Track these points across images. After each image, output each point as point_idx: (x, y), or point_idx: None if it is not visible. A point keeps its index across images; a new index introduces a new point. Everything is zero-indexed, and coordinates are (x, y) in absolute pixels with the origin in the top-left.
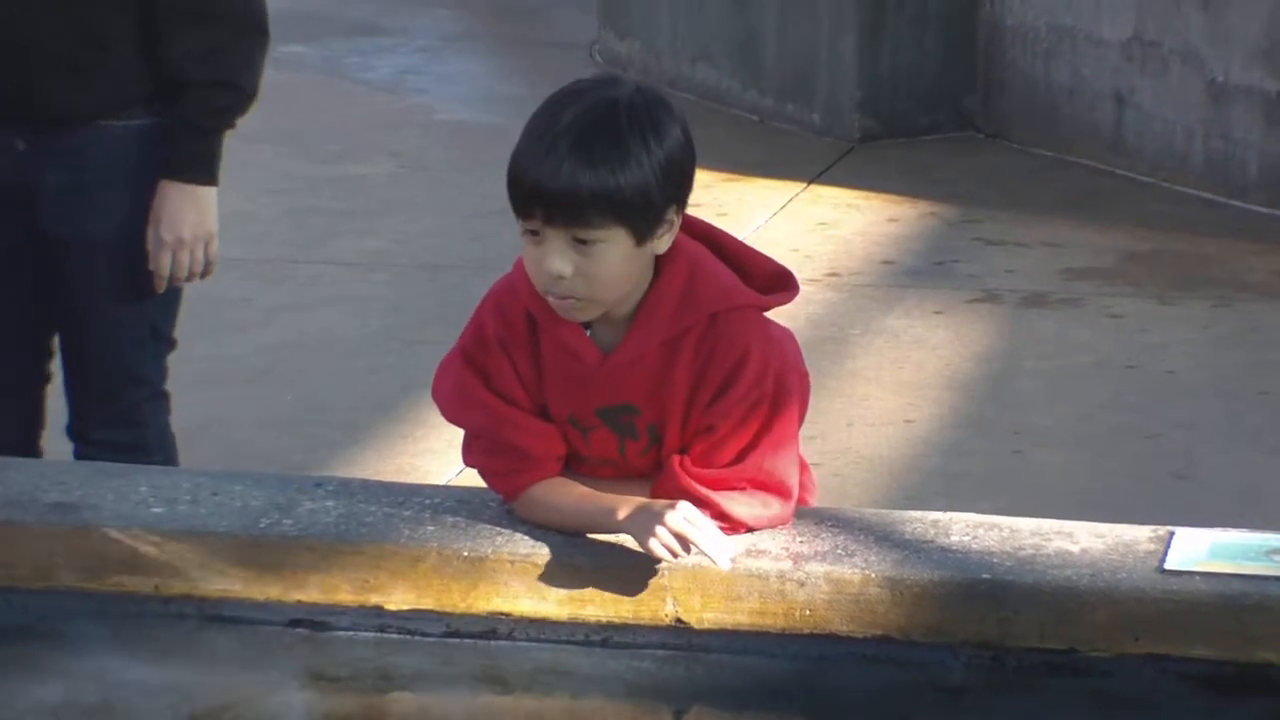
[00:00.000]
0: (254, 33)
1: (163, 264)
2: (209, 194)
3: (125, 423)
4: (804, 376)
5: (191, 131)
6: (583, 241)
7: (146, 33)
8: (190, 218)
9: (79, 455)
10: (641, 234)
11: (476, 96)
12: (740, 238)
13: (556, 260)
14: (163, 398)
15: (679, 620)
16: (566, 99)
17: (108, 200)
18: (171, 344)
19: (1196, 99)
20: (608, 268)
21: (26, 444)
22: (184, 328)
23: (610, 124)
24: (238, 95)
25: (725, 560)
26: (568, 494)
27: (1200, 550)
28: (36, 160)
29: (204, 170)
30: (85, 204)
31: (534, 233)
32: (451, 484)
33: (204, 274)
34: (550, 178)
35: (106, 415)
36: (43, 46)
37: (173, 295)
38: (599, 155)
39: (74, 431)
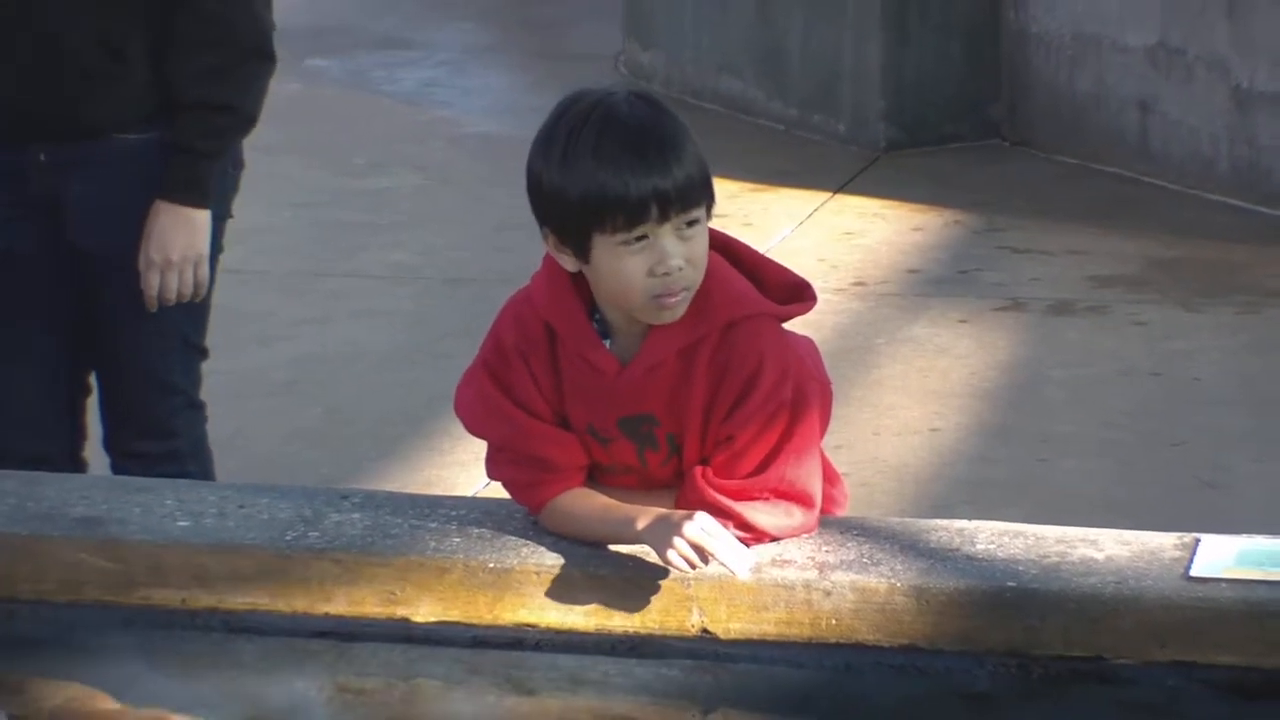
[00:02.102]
0: (258, 57)
1: (151, 283)
2: (201, 216)
3: (157, 433)
4: (825, 385)
5: (186, 153)
6: (689, 224)
7: (162, 47)
8: (181, 240)
9: (114, 469)
10: (711, 207)
11: (501, 109)
12: (766, 247)
13: (675, 252)
14: (196, 408)
15: (705, 630)
16: (592, 109)
17: (130, 212)
18: (203, 353)
19: (1222, 106)
20: (703, 246)
21: (68, 456)
22: (208, 340)
23: (655, 112)
24: (235, 118)
25: (744, 570)
26: (590, 505)
27: (1227, 557)
28: (59, 172)
29: (196, 193)
30: (109, 216)
31: (640, 238)
32: (478, 496)
33: (193, 296)
34: (661, 175)
35: (139, 426)
36: (62, 60)
37: (201, 304)
38: (674, 136)
39: (108, 444)
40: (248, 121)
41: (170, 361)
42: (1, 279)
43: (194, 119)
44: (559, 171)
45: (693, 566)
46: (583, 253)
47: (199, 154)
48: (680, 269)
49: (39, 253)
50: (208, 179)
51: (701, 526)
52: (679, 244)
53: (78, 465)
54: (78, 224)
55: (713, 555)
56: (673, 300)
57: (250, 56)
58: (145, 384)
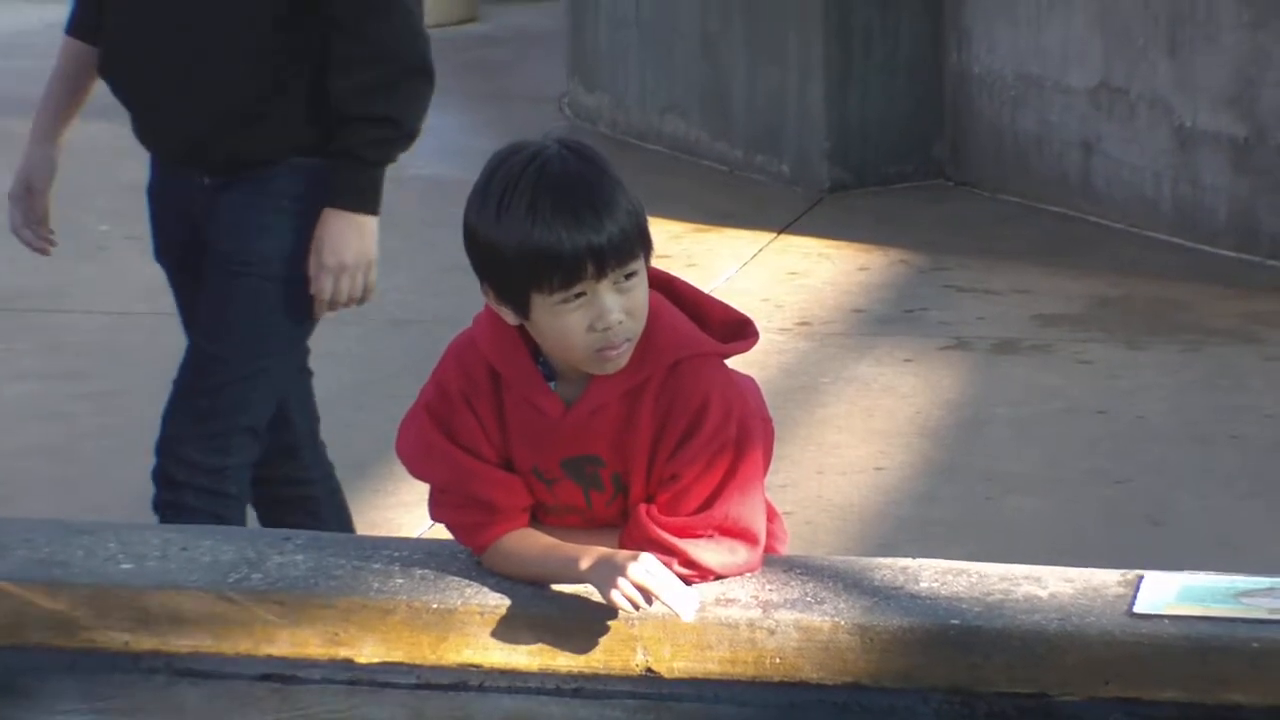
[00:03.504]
0: (418, 74)
1: (324, 288)
2: (370, 223)
3: (214, 448)
4: (767, 422)
5: (354, 163)
6: (626, 278)
7: (322, 76)
8: (354, 245)
9: (158, 470)
10: (648, 255)
11: (448, 150)
12: (710, 287)
13: (614, 307)
14: (251, 434)
15: (649, 670)
16: (525, 166)
17: (266, 224)
18: (308, 372)
19: (1164, 145)
20: (643, 295)
21: (296, 443)
22: (155, 384)
23: (587, 166)
24: (397, 132)
25: (688, 612)
26: (533, 545)
27: (1169, 593)
28: (216, 193)
29: (367, 200)
30: (246, 226)
31: (578, 295)
32: (421, 537)
33: (362, 299)
34: (595, 232)
35: (199, 433)
36: (226, 97)
37: (303, 328)
38: (606, 192)
39: (162, 446)
40: (409, 136)
41: (255, 381)
42: (181, 293)
43: (359, 130)
44: (494, 230)
45: (636, 607)
46: (522, 310)
47: (366, 162)
48: (620, 322)
49: (200, 264)
50: (376, 186)
51: (646, 569)
52: (617, 297)
53: (314, 446)
54: (214, 231)
55: (657, 596)
56: (614, 353)
57: (412, 74)
58: (224, 395)
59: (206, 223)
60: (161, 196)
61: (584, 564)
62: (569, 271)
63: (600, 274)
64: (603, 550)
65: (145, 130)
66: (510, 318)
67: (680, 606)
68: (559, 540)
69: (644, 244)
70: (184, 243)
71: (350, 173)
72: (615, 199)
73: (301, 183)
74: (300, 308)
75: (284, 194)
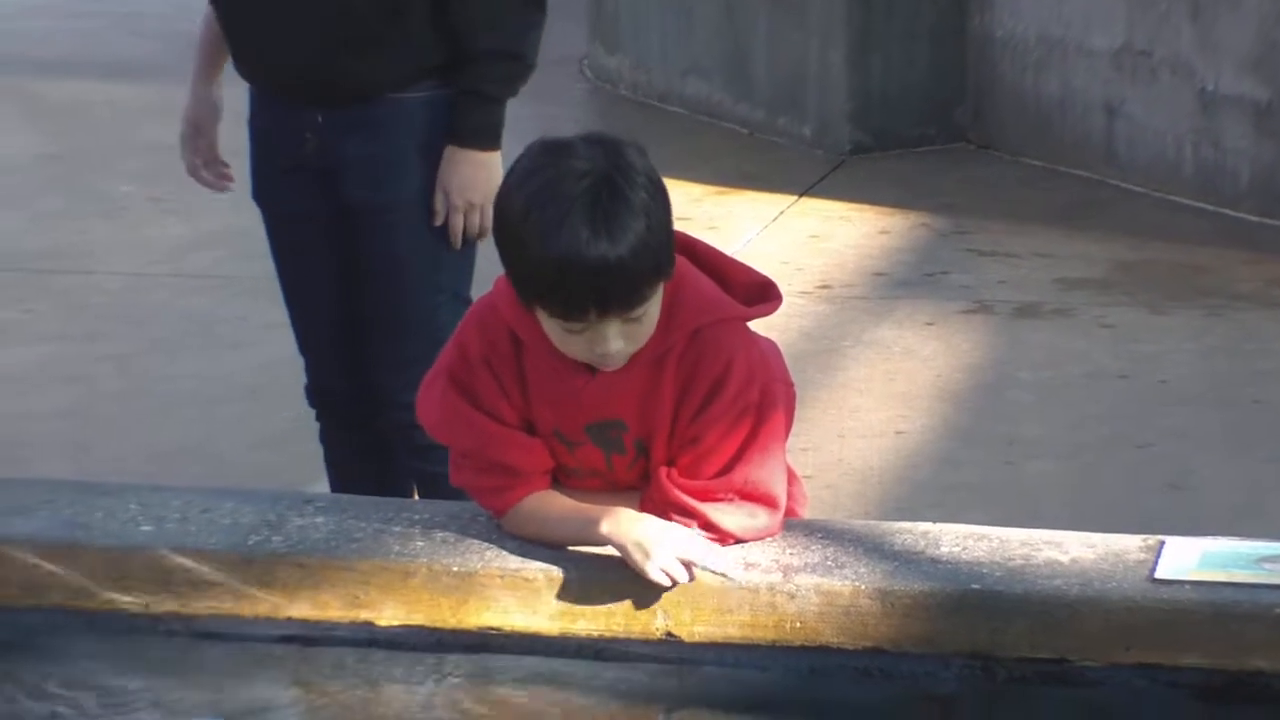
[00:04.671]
0: (534, 7)
1: (455, 225)
2: (495, 158)
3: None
4: (789, 387)
5: (478, 100)
6: (634, 317)
7: (437, 6)
8: (481, 183)
9: (381, 426)
10: (670, 272)
11: None
12: (731, 251)
13: (617, 339)
14: None
15: (670, 634)
16: (556, 185)
17: (401, 167)
18: (469, 304)
19: (1187, 109)
20: (652, 322)
21: (355, 391)
22: (174, 345)
23: (616, 200)
24: (519, 65)
25: (735, 570)
26: (554, 507)
27: (1191, 559)
28: (334, 133)
29: (490, 137)
30: (382, 172)
31: (582, 328)
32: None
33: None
34: (608, 280)
35: (411, 379)
36: (342, 22)
37: (468, 258)
38: (632, 237)
39: (377, 403)
40: (529, 68)
41: (443, 317)
42: (286, 238)
43: (482, 67)
44: (519, 228)
45: (676, 584)
46: (528, 307)
47: (490, 99)
48: (620, 351)
49: (313, 210)
50: (499, 123)
51: (683, 543)
52: (622, 328)
53: (368, 400)
54: (349, 181)
55: (699, 565)
56: (610, 368)
57: (527, 6)
58: (419, 338)
59: (325, 167)
60: (268, 136)
61: (604, 525)
62: (571, 309)
63: (603, 318)
64: (622, 510)
65: (254, 62)
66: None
67: (727, 568)
68: (579, 502)
69: (658, 275)
70: (290, 185)
71: (474, 110)
72: (641, 245)
73: (422, 119)
74: (448, 241)
75: (407, 134)
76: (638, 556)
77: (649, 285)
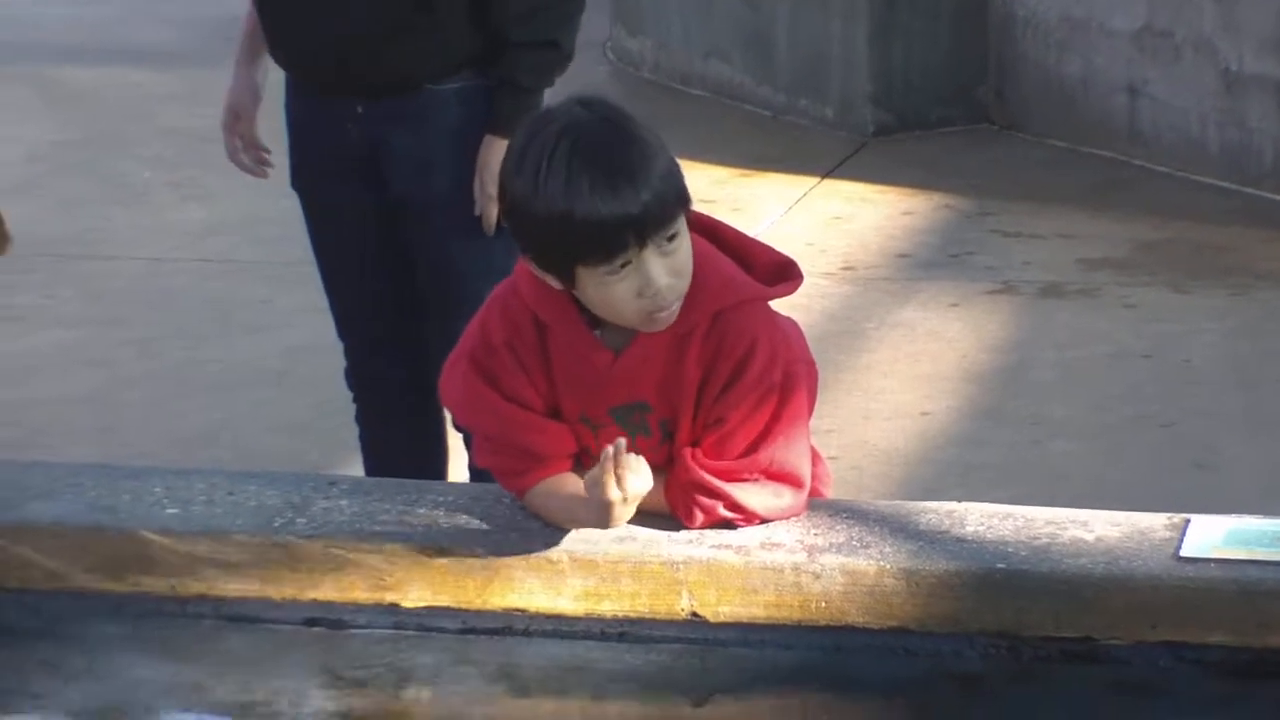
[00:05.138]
0: None
1: (490, 214)
2: None
3: None
4: (811, 366)
5: (515, 90)
6: (670, 240)
7: None
8: None
9: (432, 409)
10: (688, 209)
11: None
12: (754, 232)
13: (661, 273)
14: None
15: (695, 614)
16: (558, 138)
17: (443, 159)
18: None
19: (1210, 88)
20: (687, 253)
21: (406, 379)
22: (197, 330)
23: (620, 133)
24: (558, 54)
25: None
26: (560, 490)
27: (1216, 537)
28: (375, 124)
29: None
30: (425, 164)
31: (624, 265)
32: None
33: None
34: (633, 203)
35: None
36: (381, 16)
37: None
38: (640, 158)
39: (428, 389)
40: (567, 57)
41: None
42: (327, 226)
43: (519, 56)
44: (533, 204)
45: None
46: (567, 280)
47: (525, 89)
48: (669, 285)
49: (355, 197)
50: (536, 110)
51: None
52: (662, 261)
53: (416, 388)
54: (393, 173)
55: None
56: (665, 314)
57: None
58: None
59: (366, 156)
60: (307, 125)
61: (588, 511)
62: (611, 245)
63: (642, 243)
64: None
65: (291, 51)
66: (554, 283)
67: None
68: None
69: (683, 202)
70: (330, 173)
71: (512, 99)
72: (650, 164)
73: (461, 111)
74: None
75: (446, 125)
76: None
77: (675, 204)
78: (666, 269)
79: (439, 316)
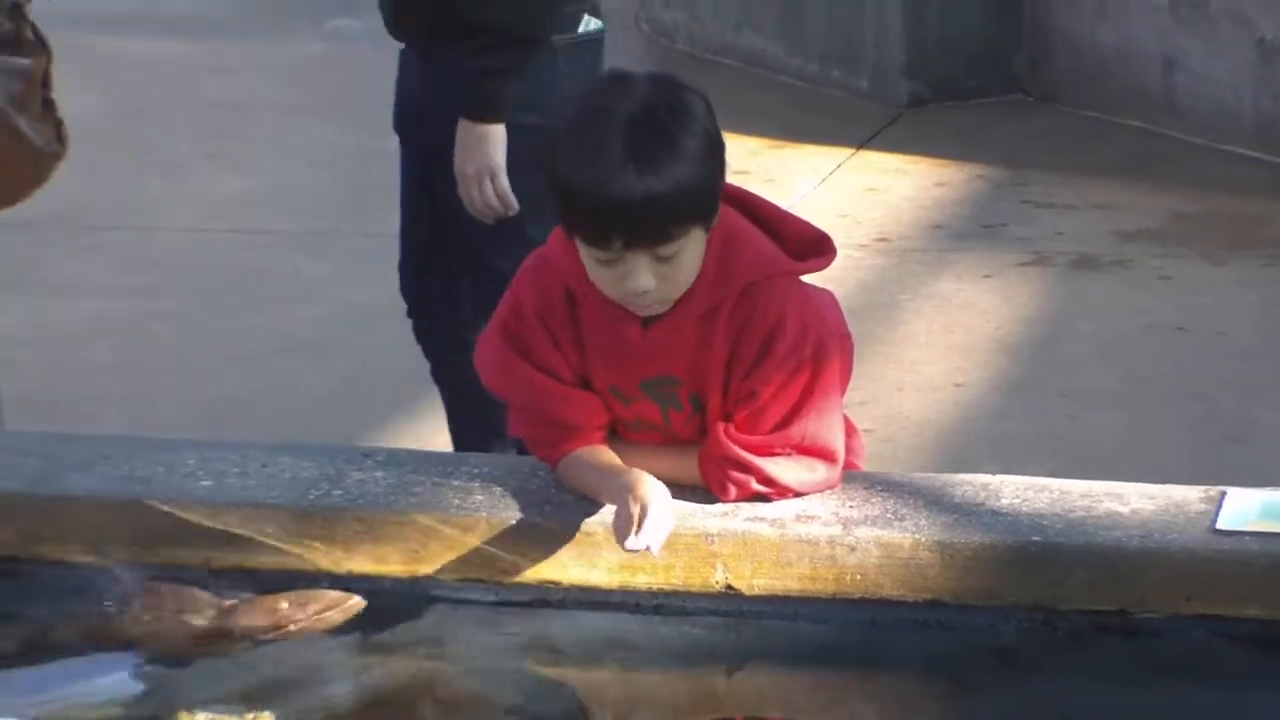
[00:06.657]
0: None
1: (461, 195)
2: (485, 131)
3: None
4: (845, 339)
5: (471, 72)
6: (664, 256)
7: None
8: (472, 154)
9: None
10: (710, 221)
11: None
12: (788, 204)
13: (646, 278)
14: None
15: (729, 587)
16: (601, 112)
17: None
18: None
19: (1246, 59)
20: (687, 268)
21: (443, 335)
22: (231, 300)
23: (662, 118)
24: (508, 36)
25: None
26: (595, 463)
27: (1252, 510)
28: (420, 71)
29: (476, 108)
30: (448, 128)
31: (612, 254)
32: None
33: (506, 209)
34: (634, 205)
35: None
36: None
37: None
38: (664, 155)
39: (453, 339)
40: (517, 42)
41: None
42: (404, 166)
43: (474, 38)
44: (552, 156)
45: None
46: (569, 237)
47: (480, 71)
48: (648, 291)
49: (430, 147)
50: (493, 94)
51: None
52: (652, 266)
53: (453, 344)
54: (433, 132)
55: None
56: (644, 312)
57: None
58: (493, 282)
59: (419, 119)
60: (400, 69)
61: (620, 486)
62: (598, 236)
63: (630, 246)
64: (647, 481)
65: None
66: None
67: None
68: (618, 462)
69: (695, 218)
70: (405, 115)
71: (468, 81)
72: (672, 169)
73: (457, 80)
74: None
75: (451, 91)
76: (621, 521)
77: (678, 225)
78: (656, 274)
79: (464, 292)
